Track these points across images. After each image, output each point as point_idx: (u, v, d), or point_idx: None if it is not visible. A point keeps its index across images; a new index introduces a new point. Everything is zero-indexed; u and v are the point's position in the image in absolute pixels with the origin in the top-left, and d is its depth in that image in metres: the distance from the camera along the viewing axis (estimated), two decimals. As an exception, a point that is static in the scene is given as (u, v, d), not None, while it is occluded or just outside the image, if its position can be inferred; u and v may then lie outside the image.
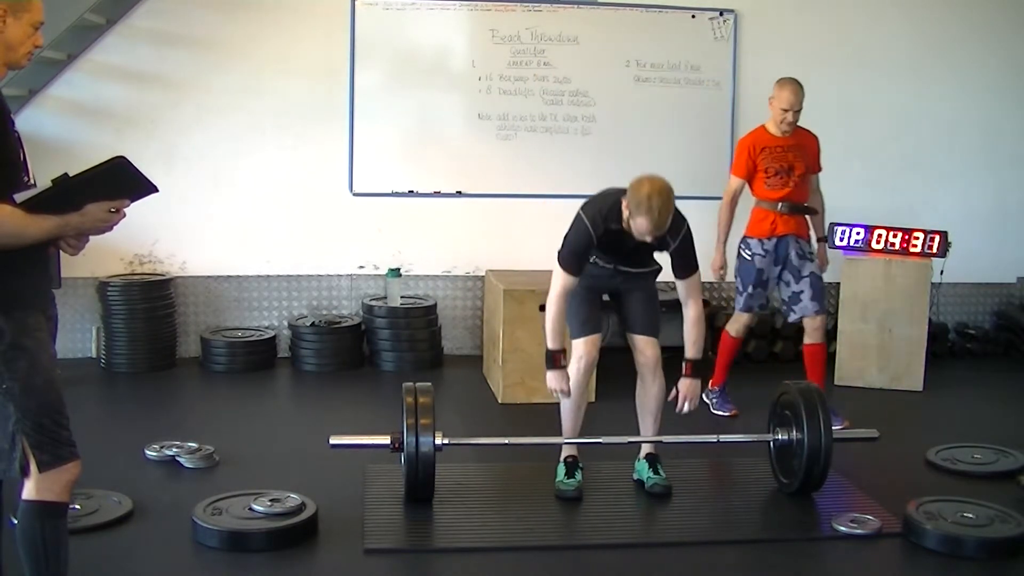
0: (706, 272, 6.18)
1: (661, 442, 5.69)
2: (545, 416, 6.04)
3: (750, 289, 7.12)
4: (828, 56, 8.87)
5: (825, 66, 8.84)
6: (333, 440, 5.53)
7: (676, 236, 5.38)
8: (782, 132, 7.00)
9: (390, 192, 8.51)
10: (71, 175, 3.38)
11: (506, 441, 5.93)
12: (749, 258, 7.09)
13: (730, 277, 7.37)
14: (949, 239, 8.05)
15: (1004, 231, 9.32)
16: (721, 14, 8.71)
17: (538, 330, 6.47)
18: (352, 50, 8.30)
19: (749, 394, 7.29)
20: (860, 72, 8.93)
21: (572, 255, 5.41)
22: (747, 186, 7.16)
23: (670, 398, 5.61)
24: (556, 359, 5.46)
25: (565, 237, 5.47)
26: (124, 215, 3.53)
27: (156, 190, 3.50)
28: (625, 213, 5.24)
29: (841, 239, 8.30)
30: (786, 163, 6.99)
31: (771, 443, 5.82)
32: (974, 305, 9.38)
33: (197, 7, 8.16)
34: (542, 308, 7.05)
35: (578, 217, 5.43)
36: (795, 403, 5.57)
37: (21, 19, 3.55)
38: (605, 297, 5.77)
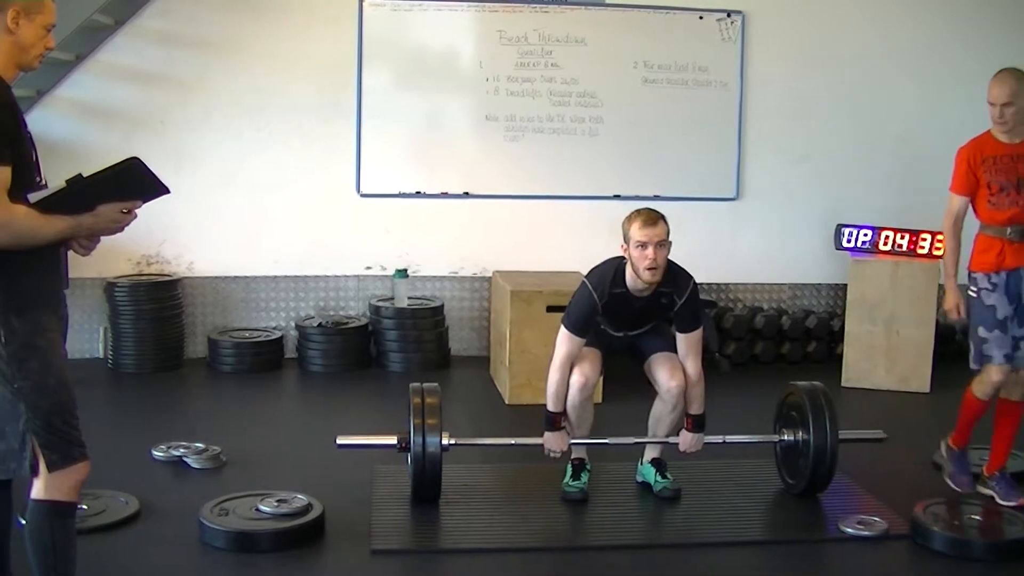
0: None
1: (668, 443, 5.67)
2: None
3: (988, 333, 5.64)
4: (836, 57, 8.86)
5: (832, 67, 8.84)
6: (340, 440, 5.56)
7: (683, 293, 5.38)
8: (1007, 135, 5.72)
9: (397, 193, 8.51)
10: (85, 176, 3.38)
11: (512, 441, 5.92)
12: (976, 294, 5.70)
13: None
14: (957, 240, 8.03)
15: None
16: (729, 15, 8.71)
17: (545, 331, 6.48)
18: (360, 51, 8.31)
19: (755, 395, 7.27)
20: (868, 73, 8.92)
21: (577, 321, 5.43)
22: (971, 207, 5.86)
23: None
24: (555, 420, 5.48)
25: (568, 304, 5.52)
26: (136, 216, 3.54)
27: (168, 191, 3.51)
28: (628, 272, 5.31)
29: (848, 240, 8.30)
30: (1015, 175, 5.65)
31: (777, 444, 5.82)
32: (982, 306, 9.34)
33: (205, 8, 8.17)
34: (549, 309, 7.13)
35: (582, 284, 5.45)
36: (801, 404, 5.58)
37: (34, 21, 3.55)
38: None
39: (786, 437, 5.69)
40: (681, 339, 5.52)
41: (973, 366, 5.76)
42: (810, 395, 5.58)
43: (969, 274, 5.77)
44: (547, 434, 5.49)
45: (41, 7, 3.58)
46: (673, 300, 5.38)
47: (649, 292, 5.34)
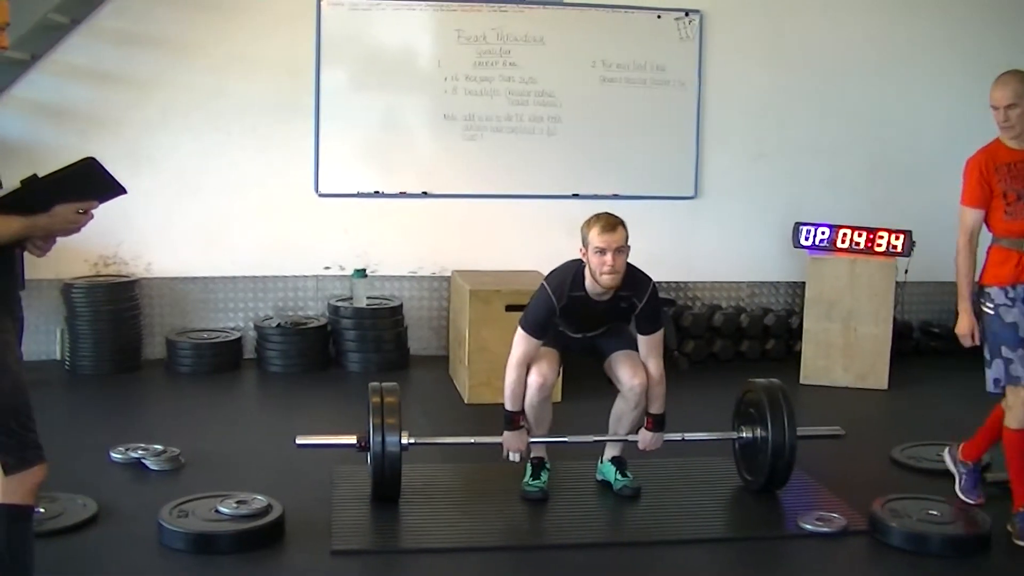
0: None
1: (627, 440, 5.68)
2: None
3: (1012, 352, 5.18)
4: (793, 57, 8.91)
5: (790, 67, 8.90)
6: (299, 440, 5.55)
7: (643, 296, 5.39)
8: (1016, 141, 5.33)
9: (356, 193, 8.50)
10: (40, 176, 3.35)
11: (472, 440, 5.92)
12: (992, 311, 5.29)
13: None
14: (913, 238, 8.11)
15: (967, 230, 9.36)
16: (687, 14, 8.73)
17: (504, 330, 6.46)
18: (318, 50, 8.28)
19: (715, 394, 7.29)
20: (825, 73, 8.97)
21: (535, 323, 5.43)
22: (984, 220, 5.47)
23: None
24: (515, 419, 5.48)
25: (527, 305, 5.52)
26: (92, 216, 3.50)
27: (125, 191, 3.47)
28: (587, 276, 5.32)
29: (806, 238, 8.34)
30: None
31: (736, 441, 5.85)
32: (938, 304, 9.38)
33: (162, 7, 8.12)
34: (508, 308, 7.13)
35: (541, 287, 5.45)
36: (759, 401, 5.61)
37: None
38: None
39: (744, 434, 5.72)
40: (642, 340, 5.53)
41: (993, 389, 5.29)
42: (768, 392, 5.61)
43: (982, 289, 5.38)
44: (506, 434, 5.49)
45: None
46: (633, 304, 5.39)
47: (608, 296, 5.35)
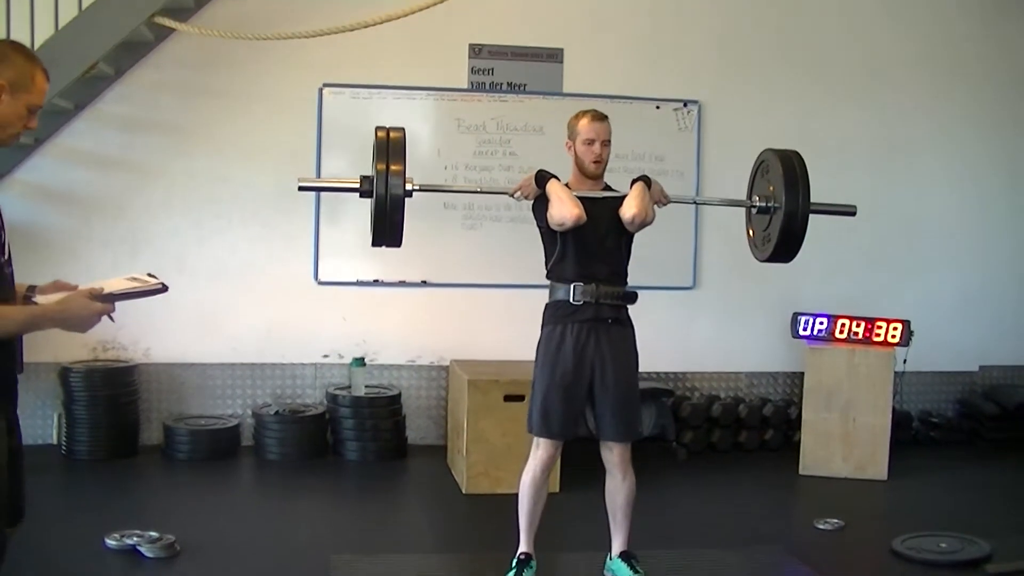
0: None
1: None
2: (509, 506, 5.99)
3: None
4: (789, 145, 8.91)
5: (787, 157, 8.94)
6: (301, 183, 5.50)
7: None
8: None
9: (355, 281, 8.52)
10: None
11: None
12: None
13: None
14: (912, 328, 8.12)
15: (965, 320, 9.39)
16: (685, 105, 8.81)
17: (502, 420, 6.48)
18: (319, 137, 8.35)
19: (713, 484, 7.27)
20: (822, 164, 8.94)
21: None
22: None
23: None
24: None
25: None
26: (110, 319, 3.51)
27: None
28: (573, 175, 5.64)
29: (805, 328, 8.34)
30: None
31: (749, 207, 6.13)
32: (937, 393, 9.42)
33: (165, 93, 8.20)
34: (506, 398, 7.10)
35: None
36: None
37: (19, 100, 3.45)
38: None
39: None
40: (615, 448, 5.48)
41: None
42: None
43: None
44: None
45: (31, 86, 3.47)
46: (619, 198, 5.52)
47: (599, 189, 5.60)
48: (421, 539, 5.65)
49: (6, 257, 3.50)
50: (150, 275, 3.59)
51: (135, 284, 3.50)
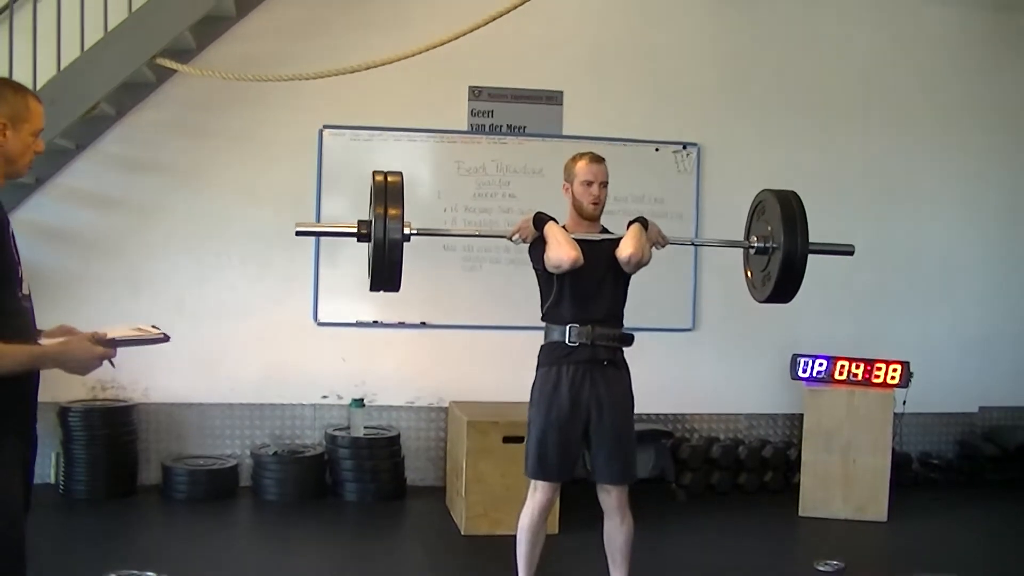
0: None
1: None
2: (508, 548, 5.98)
3: None
4: (789, 187, 8.94)
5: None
6: (298, 228, 5.42)
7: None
8: None
9: (355, 322, 8.52)
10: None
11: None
12: None
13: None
14: (911, 369, 8.11)
15: (964, 361, 9.39)
16: (684, 147, 8.84)
17: (501, 462, 6.46)
18: (319, 178, 8.37)
19: (712, 526, 7.25)
20: (821, 204, 8.97)
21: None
22: None
23: None
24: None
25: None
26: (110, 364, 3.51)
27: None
28: (570, 216, 5.66)
29: (804, 370, 8.34)
30: None
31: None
32: (937, 434, 9.41)
33: (166, 134, 8.22)
34: (505, 440, 7.09)
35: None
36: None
37: (21, 130, 3.51)
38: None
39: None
40: (612, 491, 5.45)
41: None
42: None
43: None
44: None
45: (28, 114, 3.54)
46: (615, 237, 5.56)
47: (596, 231, 5.61)
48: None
49: (26, 292, 3.55)
50: (153, 327, 3.60)
51: (138, 333, 3.51)
